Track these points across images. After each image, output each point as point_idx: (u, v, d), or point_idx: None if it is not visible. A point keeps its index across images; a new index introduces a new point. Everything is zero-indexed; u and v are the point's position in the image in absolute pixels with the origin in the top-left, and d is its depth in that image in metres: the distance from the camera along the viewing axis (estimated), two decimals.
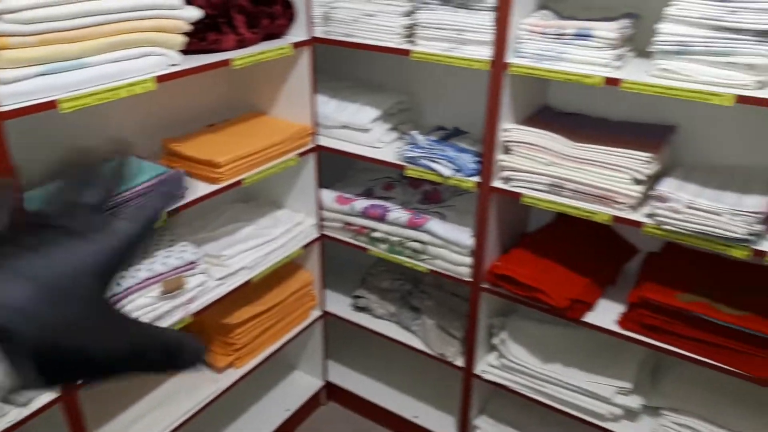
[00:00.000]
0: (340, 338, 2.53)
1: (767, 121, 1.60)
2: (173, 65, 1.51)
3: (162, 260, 1.69)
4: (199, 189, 1.68)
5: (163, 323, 1.67)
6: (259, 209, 2.12)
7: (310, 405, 2.42)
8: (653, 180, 1.56)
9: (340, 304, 2.32)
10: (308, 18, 1.79)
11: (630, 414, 1.82)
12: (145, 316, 1.62)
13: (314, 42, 1.84)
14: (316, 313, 2.28)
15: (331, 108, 1.98)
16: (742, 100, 1.29)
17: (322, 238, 2.15)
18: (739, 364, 1.54)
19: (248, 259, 1.90)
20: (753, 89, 1.30)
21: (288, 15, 1.76)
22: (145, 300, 1.63)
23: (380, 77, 2.18)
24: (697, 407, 1.74)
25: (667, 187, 1.49)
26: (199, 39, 1.59)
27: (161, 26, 1.43)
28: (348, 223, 2.07)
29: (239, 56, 1.64)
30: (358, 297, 2.28)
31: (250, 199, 2.20)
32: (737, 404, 1.72)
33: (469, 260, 1.87)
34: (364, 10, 1.73)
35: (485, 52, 1.58)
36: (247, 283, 1.88)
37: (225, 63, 1.61)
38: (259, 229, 2.01)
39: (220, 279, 1.83)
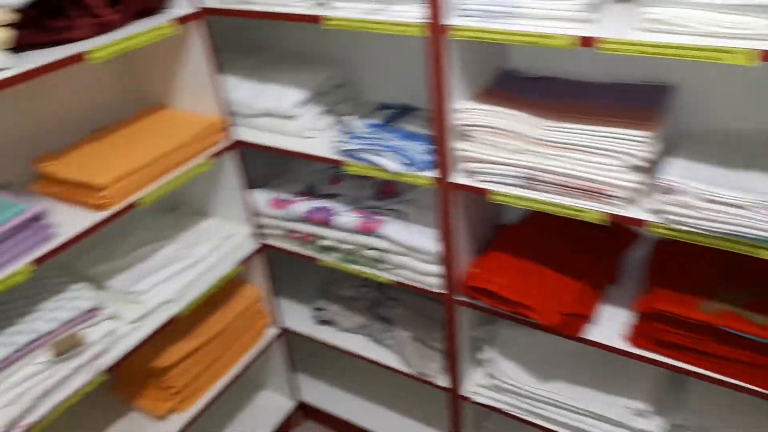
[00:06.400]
0: (309, 351, 2.20)
1: None
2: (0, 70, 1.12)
3: (48, 315, 1.36)
4: (79, 221, 1.32)
5: (68, 389, 1.35)
6: (181, 221, 1.76)
7: (285, 427, 2.13)
8: (653, 162, 1.16)
9: (300, 318, 1.98)
10: None
11: None
12: (36, 388, 1.31)
13: (205, 14, 1.43)
14: (272, 332, 1.95)
15: (245, 92, 1.58)
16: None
17: (265, 248, 1.79)
18: None
19: (169, 291, 1.57)
20: None
21: None
22: (33, 368, 1.32)
23: (304, 47, 1.75)
24: (727, 427, 1.40)
25: (674, 173, 1.10)
26: (39, 30, 1.20)
27: None
28: (292, 230, 1.71)
29: (99, 46, 1.24)
30: (320, 309, 1.94)
31: (172, 208, 1.84)
32: None
33: (437, 269, 1.51)
34: None
35: (417, 13, 1.16)
36: (171, 321, 1.55)
37: (77, 58, 1.21)
38: (180, 248, 1.66)
39: (134, 322, 1.50)
